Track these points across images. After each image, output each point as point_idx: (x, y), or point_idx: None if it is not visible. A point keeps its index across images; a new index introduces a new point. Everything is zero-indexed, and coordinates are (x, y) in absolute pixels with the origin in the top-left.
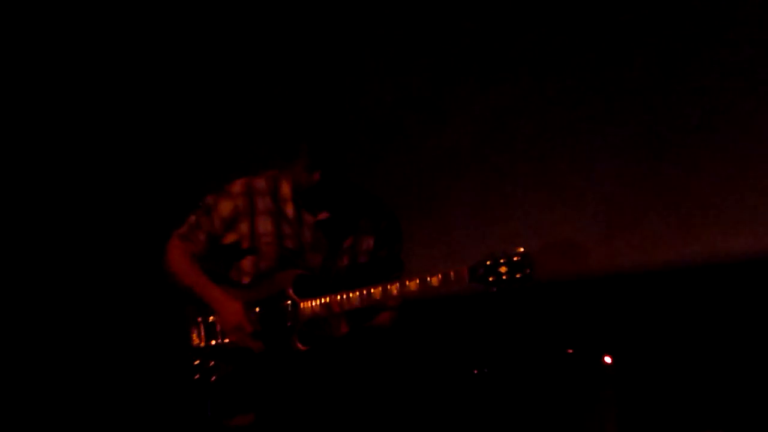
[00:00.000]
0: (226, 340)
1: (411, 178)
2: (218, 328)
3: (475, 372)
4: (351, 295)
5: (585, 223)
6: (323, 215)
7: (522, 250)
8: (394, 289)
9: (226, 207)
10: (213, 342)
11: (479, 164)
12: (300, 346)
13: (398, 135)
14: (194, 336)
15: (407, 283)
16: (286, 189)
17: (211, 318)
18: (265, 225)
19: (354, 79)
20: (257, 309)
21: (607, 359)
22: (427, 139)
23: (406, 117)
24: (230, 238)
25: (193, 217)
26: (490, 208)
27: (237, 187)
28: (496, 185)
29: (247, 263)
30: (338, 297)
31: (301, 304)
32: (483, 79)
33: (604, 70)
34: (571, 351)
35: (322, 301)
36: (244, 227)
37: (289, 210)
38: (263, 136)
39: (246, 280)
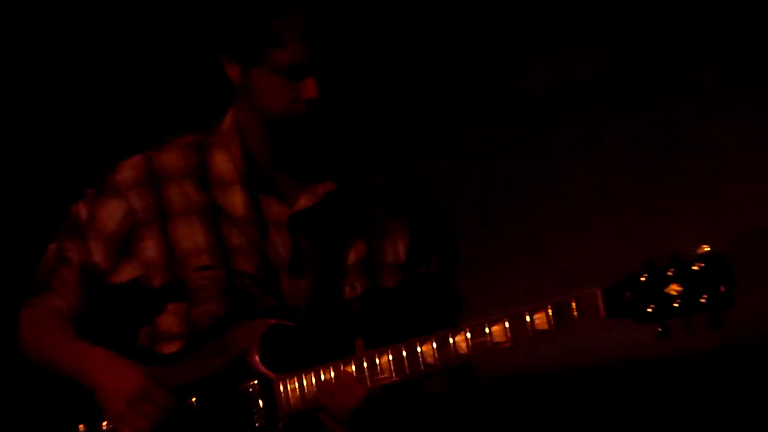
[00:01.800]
0: None
1: (471, 139)
2: None
3: None
4: (379, 360)
5: None
6: (307, 200)
7: (708, 249)
8: (462, 341)
9: (111, 214)
10: None
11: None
12: None
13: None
14: None
15: (487, 328)
16: (223, 163)
17: (106, 423)
18: (190, 235)
19: None
20: (194, 399)
21: None
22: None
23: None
24: (126, 274)
25: (52, 248)
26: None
27: (127, 172)
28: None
29: (168, 319)
30: (353, 366)
31: (281, 386)
32: None
33: None
34: None
35: (323, 377)
36: (149, 248)
37: (236, 200)
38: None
39: (170, 347)
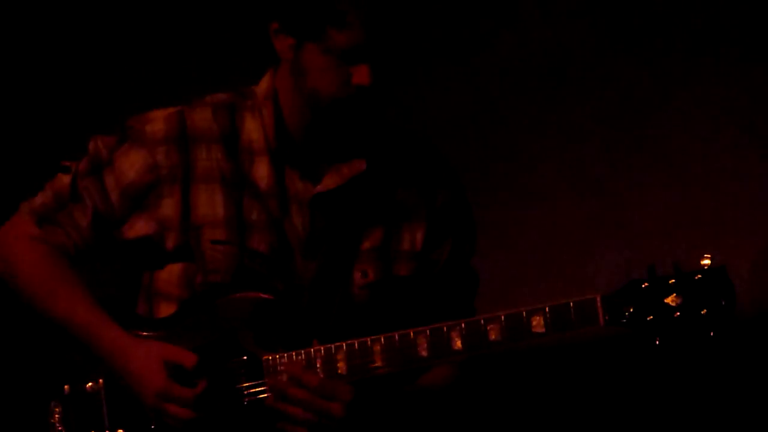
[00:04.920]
0: None
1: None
2: (105, 408)
3: None
4: (376, 346)
5: None
6: (332, 180)
7: (709, 261)
8: (458, 339)
9: (134, 164)
10: None
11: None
12: None
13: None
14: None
15: (482, 325)
16: (253, 130)
17: (91, 384)
18: (210, 205)
19: None
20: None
21: None
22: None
23: None
24: (139, 228)
25: (65, 180)
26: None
27: (157, 125)
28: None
29: (169, 278)
30: (343, 347)
31: (269, 360)
32: None
33: None
34: None
35: (312, 354)
36: (167, 206)
37: (262, 171)
38: None
39: (166, 310)
